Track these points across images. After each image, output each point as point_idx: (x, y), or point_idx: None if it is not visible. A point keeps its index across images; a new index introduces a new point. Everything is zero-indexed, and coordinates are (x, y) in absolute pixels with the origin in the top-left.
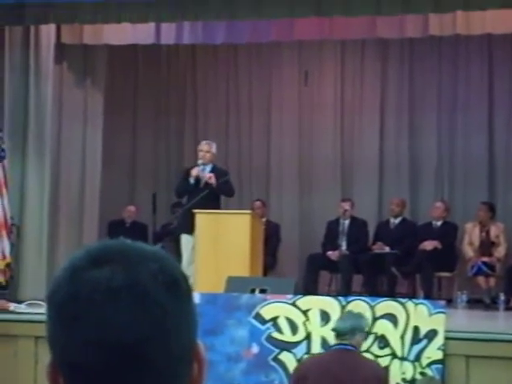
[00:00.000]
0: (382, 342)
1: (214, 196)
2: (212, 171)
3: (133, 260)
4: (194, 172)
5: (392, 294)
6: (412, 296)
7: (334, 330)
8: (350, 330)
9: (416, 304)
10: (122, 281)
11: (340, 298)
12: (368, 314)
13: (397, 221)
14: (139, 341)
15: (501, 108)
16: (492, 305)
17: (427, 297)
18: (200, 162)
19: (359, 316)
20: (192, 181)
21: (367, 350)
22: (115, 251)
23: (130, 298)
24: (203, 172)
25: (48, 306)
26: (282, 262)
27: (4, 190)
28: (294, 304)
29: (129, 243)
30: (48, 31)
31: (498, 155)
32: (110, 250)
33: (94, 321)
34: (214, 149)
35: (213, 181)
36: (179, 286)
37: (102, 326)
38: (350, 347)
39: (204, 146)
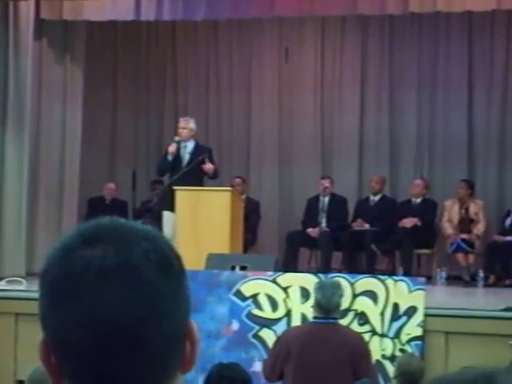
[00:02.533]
0: (362, 318)
1: (197, 173)
2: (195, 148)
3: (125, 239)
4: (171, 149)
5: (371, 271)
6: (391, 273)
7: (319, 306)
8: (336, 307)
9: (396, 281)
10: (114, 260)
11: (320, 274)
12: (348, 291)
13: (376, 198)
14: (131, 320)
15: (480, 85)
16: (471, 282)
17: (407, 274)
18: (177, 138)
19: (337, 286)
20: (170, 158)
21: (347, 327)
22: (107, 231)
23: (122, 278)
24: (184, 149)
25: (40, 285)
26: (262, 239)
27: None
28: (274, 281)
29: (121, 222)
30: (27, 7)
31: (477, 132)
32: (101, 229)
33: (86, 301)
34: (191, 124)
35: (210, 166)
36: (172, 266)
37: (94, 305)
38: (333, 320)
39: (181, 122)
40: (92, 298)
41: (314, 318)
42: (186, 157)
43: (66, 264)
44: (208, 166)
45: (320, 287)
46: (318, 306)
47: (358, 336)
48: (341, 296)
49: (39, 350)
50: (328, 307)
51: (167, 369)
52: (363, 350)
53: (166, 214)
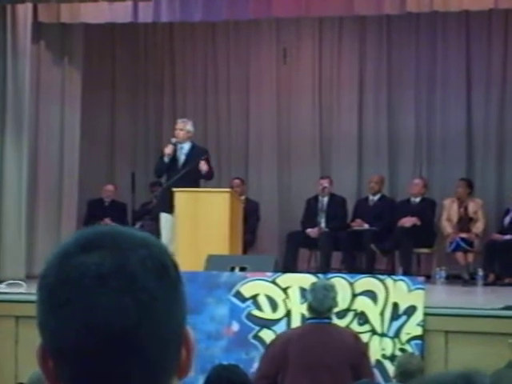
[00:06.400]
0: (362, 318)
1: (194, 174)
2: (191, 149)
3: (122, 246)
4: (167, 150)
5: (371, 271)
6: (391, 272)
7: (311, 308)
8: (328, 309)
9: (395, 280)
10: (110, 266)
11: (319, 275)
12: (347, 291)
13: (376, 198)
14: (127, 326)
15: (478, 84)
16: (470, 280)
17: (406, 273)
18: (173, 140)
19: (329, 289)
20: (166, 159)
21: (347, 327)
22: (105, 237)
23: (118, 284)
24: (180, 150)
25: (39, 290)
26: (262, 240)
27: None
28: (273, 281)
29: (119, 229)
30: (25, 10)
31: (475, 131)
32: (99, 235)
33: (83, 306)
34: (189, 126)
35: (205, 168)
36: (168, 273)
37: (90, 311)
38: (327, 320)
39: (179, 124)
40: (88, 304)
41: (309, 318)
42: (182, 158)
43: (63, 270)
44: (204, 167)
45: (312, 289)
46: (310, 307)
47: (354, 334)
48: (333, 298)
49: (37, 354)
50: (320, 309)
51: (163, 374)
52: (362, 349)
53: (164, 216)
